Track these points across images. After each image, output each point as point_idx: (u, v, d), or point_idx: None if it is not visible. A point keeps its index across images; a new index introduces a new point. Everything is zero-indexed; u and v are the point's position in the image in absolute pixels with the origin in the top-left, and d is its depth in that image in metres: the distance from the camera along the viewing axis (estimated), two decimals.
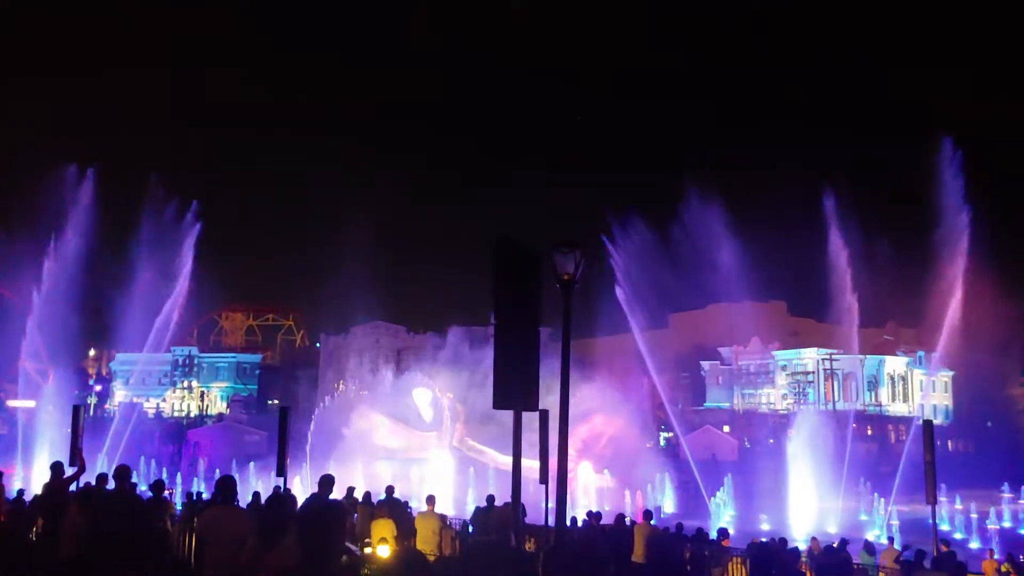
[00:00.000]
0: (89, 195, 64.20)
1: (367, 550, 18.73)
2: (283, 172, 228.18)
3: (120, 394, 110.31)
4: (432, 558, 17.39)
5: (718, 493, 58.53)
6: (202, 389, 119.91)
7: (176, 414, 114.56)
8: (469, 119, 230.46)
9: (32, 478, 49.68)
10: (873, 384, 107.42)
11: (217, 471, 52.08)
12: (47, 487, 16.10)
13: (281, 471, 24.95)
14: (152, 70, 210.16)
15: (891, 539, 27.50)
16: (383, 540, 16.96)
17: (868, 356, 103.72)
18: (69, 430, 28.19)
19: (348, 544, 16.08)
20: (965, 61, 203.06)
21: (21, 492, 28.32)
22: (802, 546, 26.85)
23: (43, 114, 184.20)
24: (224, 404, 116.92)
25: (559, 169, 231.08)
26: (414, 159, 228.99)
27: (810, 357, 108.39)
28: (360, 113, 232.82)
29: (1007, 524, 56.02)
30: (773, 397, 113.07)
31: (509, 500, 16.05)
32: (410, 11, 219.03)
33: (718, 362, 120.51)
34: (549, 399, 12.83)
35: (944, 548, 24.45)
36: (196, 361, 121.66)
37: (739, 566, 21.78)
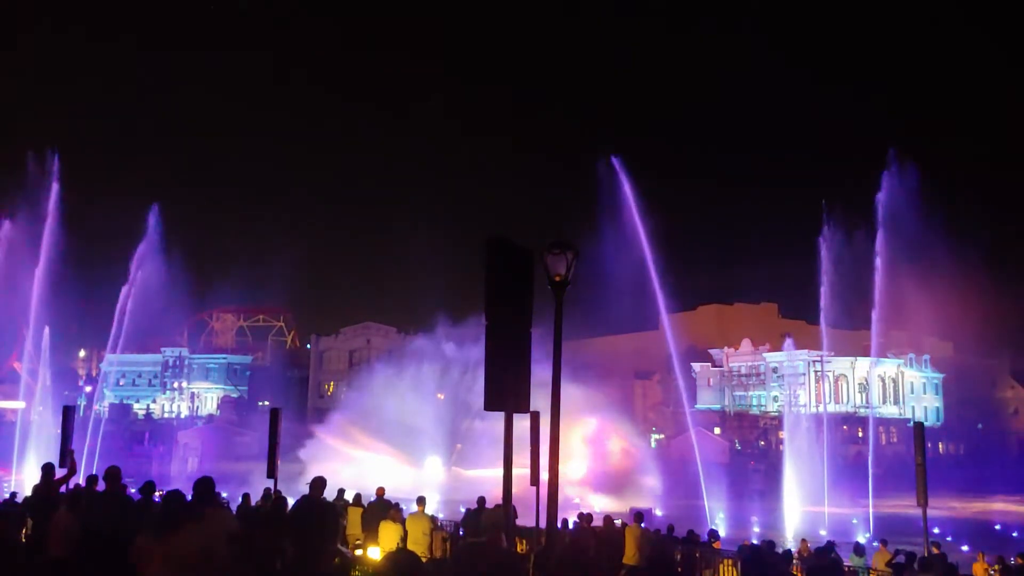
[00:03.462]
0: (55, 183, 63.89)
1: (358, 552, 18.72)
2: (274, 172, 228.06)
3: (110, 395, 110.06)
4: (423, 560, 17.35)
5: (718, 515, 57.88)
6: (192, 390, 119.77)
7: (167, 415, 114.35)
8: (466, 116, 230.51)
9: (23, 479, 49.50)
10: (864, 386, 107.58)
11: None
12: (37, 488, 16.05)
13: (272, 473, 24.84)
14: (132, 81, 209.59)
15: (884, 541, 27.50)
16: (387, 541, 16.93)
17: (859, 358, 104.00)
18: (58, 431, 28.06)
19: (339, 546, 16.06)
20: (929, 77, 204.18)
21: (13, 495, 28.27)
22: (792, 547, 26.90)
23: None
24: (215, 405, 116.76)
25: (553, 167, 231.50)
26: (408, 156, 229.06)
27: (801, 359, 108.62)
28: (355, 109, 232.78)
29: (997, 527, 56.14)
30: (764, 399, 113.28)
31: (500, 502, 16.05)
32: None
33: (709, 364, 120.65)
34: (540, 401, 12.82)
35: (935, 550, 24.50)
36: (186, 362, 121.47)
37: (730, 568, 21.79)
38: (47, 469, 16.01)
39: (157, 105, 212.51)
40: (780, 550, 23.53)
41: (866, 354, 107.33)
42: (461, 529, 23.78)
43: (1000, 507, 63.02)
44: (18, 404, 75.29)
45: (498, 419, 11.94)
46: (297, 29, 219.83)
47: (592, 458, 71.07)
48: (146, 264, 69.28)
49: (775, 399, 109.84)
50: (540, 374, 11.65)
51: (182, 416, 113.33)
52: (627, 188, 59.04)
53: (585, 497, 62.09)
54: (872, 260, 62.87)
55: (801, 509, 57.37)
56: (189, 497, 10.07)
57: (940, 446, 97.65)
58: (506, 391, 11.58)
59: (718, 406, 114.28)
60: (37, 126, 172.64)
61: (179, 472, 76.22)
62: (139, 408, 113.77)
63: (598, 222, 61.14)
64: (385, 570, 7.34)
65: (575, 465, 66.41)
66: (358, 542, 21.19)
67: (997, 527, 56.03)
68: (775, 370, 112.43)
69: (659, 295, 59.86)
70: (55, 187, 63.56)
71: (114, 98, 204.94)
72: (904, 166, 62.42)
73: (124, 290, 68.47)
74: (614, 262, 60.13)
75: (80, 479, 19.23)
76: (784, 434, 76.69)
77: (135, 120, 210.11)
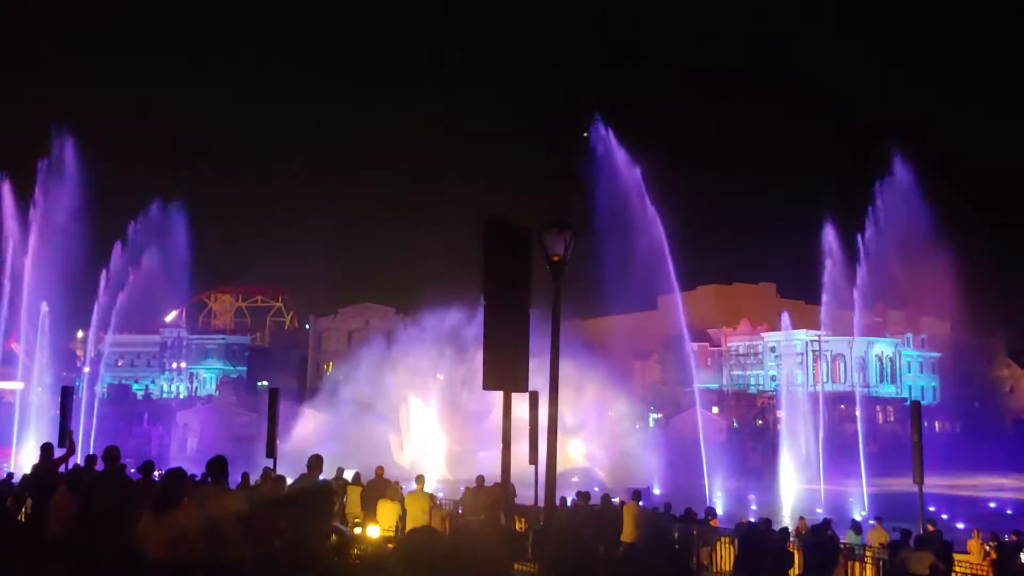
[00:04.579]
0: (72, 162, 63.61)
1: (357, 530, 18.78)
2: (273, 151, 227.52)
3: (109, 376, 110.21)
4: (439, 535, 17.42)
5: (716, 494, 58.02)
6: (191, 370, 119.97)
7: (166, 395, 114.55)
8: (466, 100, 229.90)
9: (22, 460, 49.59)
10: (862, 365, 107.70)
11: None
12: (36, 468, 16.09)
13: (271, 452, 24.94)
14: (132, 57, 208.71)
15: (880, 518, 27.64)
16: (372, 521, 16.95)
17: (856, 337, 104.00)
18: (57, 412, 28.15)
19: (337, 524, 16.11)
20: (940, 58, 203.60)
21: (11, 476, 28.35)
22: (789, 525, 27.00)
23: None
24: (213, 385, 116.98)
25: (552, 148, 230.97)
26: (407, 135, 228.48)
27: (799, 339, 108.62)
28: (349, 89, 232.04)
29: (992, 505, 56.41)
30: (762, 378, 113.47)
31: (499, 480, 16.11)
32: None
33: (707, 343, 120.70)
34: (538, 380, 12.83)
35: (931, 527, 24.59)
36: (185, 343, 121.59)
37: (727, 545, 21.88)
38: (46, 449, 16.05)
39: (153, 85, 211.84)
40: (777, 528, 23.61)
41: (864, 333, 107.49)
42: (460, 507, 23.85)
43: (995, 483, 63.24)
44: (16, 385, 75.23)
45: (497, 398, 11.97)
46: (292, 5, 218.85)
47: (595, 423, 71.15)
48: (147, 246, 69.38)
49: (772, 378, 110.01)
50: (538, 354, 11.66)
51: (181, 396, 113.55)
52: (620, 156, 58.61)
53: (584, 476, 62.37)
54: (869, 241, 62.85)
55: (798, 487, 57.62)
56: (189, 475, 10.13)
57: (936, 425, 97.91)
58: (505, 371, 11.59)
59: (716, 385, 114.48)
60: (42, 93, 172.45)
61: (178, 452, 76.46)
62: (138, 389, 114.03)
63: (591, 200, 60.76)
64: (401, 553, 7.30)
65: (576, 445, 66.64)
66: (357, 520, 21.26)
67: (992, 505, 56.30)
68: (773, 349, 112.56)
69: (671, 270, 59.52)
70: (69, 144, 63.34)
71: (114, 70, 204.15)
72: (902, 146, 62.30)
73: (115, 257, 68.75)
74: (610, 241, 59.99)
75: (79, 459, 19.29)
76: (781, 413, 76.91)
77: (134, 100, 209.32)
